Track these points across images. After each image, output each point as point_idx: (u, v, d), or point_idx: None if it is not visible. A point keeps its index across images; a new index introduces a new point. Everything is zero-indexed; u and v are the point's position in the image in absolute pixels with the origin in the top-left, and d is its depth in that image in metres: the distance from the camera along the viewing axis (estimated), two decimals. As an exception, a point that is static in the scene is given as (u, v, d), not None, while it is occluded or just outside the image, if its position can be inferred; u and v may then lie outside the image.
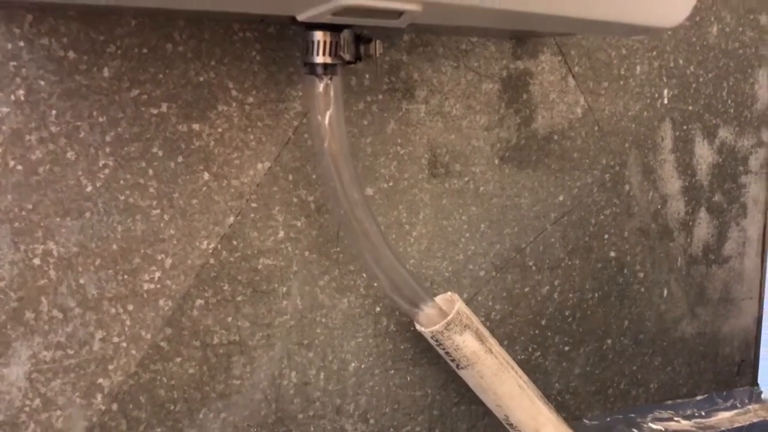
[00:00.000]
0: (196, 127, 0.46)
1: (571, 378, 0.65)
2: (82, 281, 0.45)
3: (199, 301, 0.48)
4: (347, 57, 0.41)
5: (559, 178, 0.60)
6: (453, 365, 0.52)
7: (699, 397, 0.73)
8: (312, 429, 0.53)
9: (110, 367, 0.46)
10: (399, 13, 0.35)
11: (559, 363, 0.64)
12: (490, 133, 0.56)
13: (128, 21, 0.43)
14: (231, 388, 0.50)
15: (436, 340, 0.50)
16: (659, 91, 0.64)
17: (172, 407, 0.48)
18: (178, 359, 0.48)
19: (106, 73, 0.43)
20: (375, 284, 0.54)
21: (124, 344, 0.46)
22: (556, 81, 0.58)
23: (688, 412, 0.73)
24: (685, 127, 0.66)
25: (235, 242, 0.48)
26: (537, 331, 0.62)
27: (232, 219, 0.48)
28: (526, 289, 0.61)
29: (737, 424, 0.73)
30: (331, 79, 0.42)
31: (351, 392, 0.55)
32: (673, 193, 0.67)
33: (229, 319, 0.49)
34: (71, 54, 0.42)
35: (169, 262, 0.47)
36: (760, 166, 0.72)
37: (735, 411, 0.75)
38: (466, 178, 0.56)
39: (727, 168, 0.70)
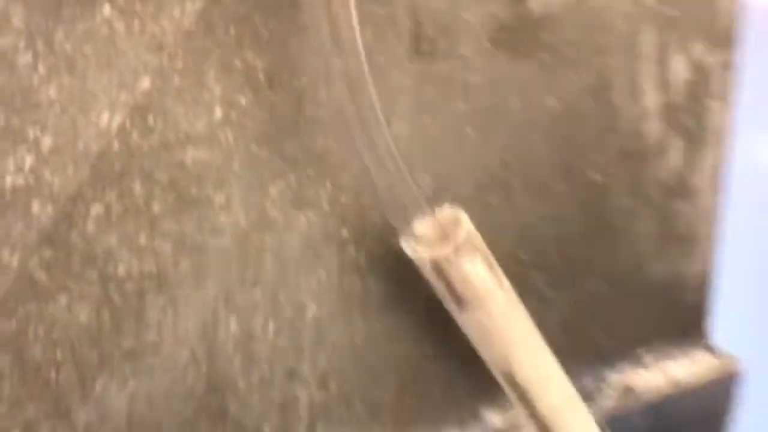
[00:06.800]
0: (92, -74, 0.29)
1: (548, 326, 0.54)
2: None
3: (97, 208, 0.31)
4: None
5: (550, 76, 0.48)
6: (452, 305, 0.39)
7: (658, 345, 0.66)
8: (255, 401, 0.38)
9: (-54, 312, 0.28)
10: None
11: (539, 307, 0.53)
12: (480, 4, 0.43)
13: None
14: (144, 343, 0.33)
15: (438, 270, 0.37)
16: (645, -13, 0.54)
17: (52, 375, 0.31)
18: (64, 299, 0.31)
19: None
20: (343, 198, 0.39)
21: (-28, 275, 0.29)
22: (552, -50, 0.46)
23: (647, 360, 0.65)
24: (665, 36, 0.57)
25: (151, 119, 0.32)
26: (518, 269, 0.50)
27: (147, 82, 0.32)
28: (509, 215, 0.49)
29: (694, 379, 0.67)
30: None
31: (308, 349, 0.40)
32: (652, 109, 0.58)
33: (143, 238, 0.33)
34: None
35: (47, 142, 0.29)
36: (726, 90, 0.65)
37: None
38: (454, 63, 0.43)
39: (699, 88, 0.62)
